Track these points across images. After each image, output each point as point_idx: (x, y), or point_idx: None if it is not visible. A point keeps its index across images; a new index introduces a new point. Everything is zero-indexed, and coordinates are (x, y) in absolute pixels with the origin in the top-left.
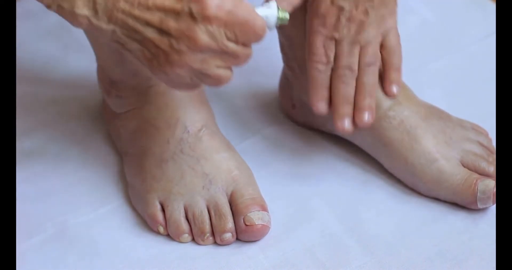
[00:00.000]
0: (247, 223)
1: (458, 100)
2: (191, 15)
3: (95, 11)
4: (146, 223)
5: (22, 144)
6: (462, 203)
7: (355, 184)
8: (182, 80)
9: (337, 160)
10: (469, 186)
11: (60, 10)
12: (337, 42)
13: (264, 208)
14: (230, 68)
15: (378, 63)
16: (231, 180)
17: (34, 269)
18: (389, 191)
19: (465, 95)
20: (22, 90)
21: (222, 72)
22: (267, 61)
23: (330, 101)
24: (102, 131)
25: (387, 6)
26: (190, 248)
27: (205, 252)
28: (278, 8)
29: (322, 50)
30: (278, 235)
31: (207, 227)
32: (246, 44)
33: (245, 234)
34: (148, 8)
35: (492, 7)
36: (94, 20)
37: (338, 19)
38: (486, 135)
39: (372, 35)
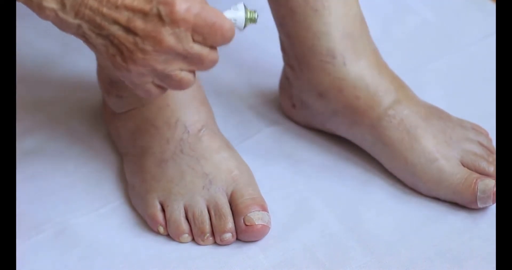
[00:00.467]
0: (247, 223)
1: (458, 100)
2: (159, 17)
3: (62, 5)
4: (146, 223)
5: (22, 144)
6: (462, 203)
7: (355, 184)
8: (144, 80)
9: (337, 160)
10: (469, 186)
11: (28, 2)
12: None
13: (264, 208)
14: (193, 72)
15: None
16: (231, 180)
17: (34, 269)
18: (389, 191)
19: (465, 95)
20: (22, 90)
21: (184, 75)
22: (267, 61)
23: None
24: (102, 131)
25: None
26: (190, 248)
27: (205, 252)
28: (245, 9)
29: None
30: (278, 235)
31: (207, 227)
32: (213, 47)
33: (245, 234)
34: (116, 7)
35: (492, 7)
36: (60, 14)
37: None
38: (486, 135)
39: None
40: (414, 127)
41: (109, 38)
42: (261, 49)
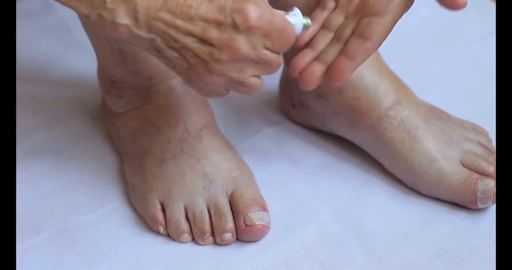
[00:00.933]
0: (247, 223)
1: (458, 100)
2: (234, 25)
3: (136, 20)
4: (146, 223)
5: (22, 144)
6: (462, 203)
7: (355, 184)
8: (216, 88)
9: (337, 160)
10: (469, 186)
11: (101, 20)
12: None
13: (264, 208)
14: (260, 77)
15: None
16: (231, 180)
17: (34, 269)
18: (389, 191)
19: (465, 95)
20: (22, 90)
21: (255, 80)
22: None
23: None
24: (102, 131)
25: None
26: (190, 248)
27: (205, 252)
28: (302, 15)
29: None
30: (278, 235)
31: (207, 227)
32: (279, 52)
33: (245, 234)
34: (190, 18)
35: (492, 7)
36: (134, 29)
37: None
38: (486, 135)
39: None
40: (414, 127)
41: (183, 51)
42: None
